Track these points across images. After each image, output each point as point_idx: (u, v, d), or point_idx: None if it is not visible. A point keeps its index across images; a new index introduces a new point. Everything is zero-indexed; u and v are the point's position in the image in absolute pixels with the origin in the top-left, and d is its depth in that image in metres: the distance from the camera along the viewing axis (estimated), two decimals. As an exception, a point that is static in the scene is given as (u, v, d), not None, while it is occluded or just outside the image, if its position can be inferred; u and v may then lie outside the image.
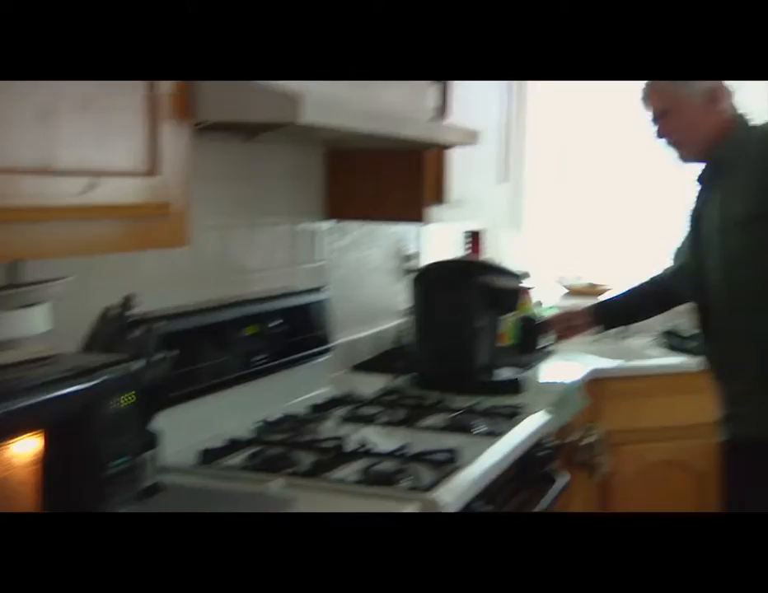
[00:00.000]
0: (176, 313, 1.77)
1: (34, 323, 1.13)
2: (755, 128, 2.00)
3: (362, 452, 1.74)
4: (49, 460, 1.06)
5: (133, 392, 1.15)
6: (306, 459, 1.70)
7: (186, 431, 1.74)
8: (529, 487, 1.98)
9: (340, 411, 2.07)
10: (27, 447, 1.05)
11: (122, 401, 1.14)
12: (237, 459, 1.73)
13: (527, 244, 3.49)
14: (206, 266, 1.97)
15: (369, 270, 2.64)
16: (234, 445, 1.79)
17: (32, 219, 1.12)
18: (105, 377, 1.11)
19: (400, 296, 2.67)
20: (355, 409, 2.09)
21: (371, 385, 2.30)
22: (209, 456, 1.71)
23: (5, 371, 1.06)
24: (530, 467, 1.99)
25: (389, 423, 1.99)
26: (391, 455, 1.72)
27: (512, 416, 2.06)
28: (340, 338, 2.40)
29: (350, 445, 1.78)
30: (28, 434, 1.04)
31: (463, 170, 2.43)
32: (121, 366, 1.15)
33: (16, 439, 1.03)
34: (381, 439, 1.85)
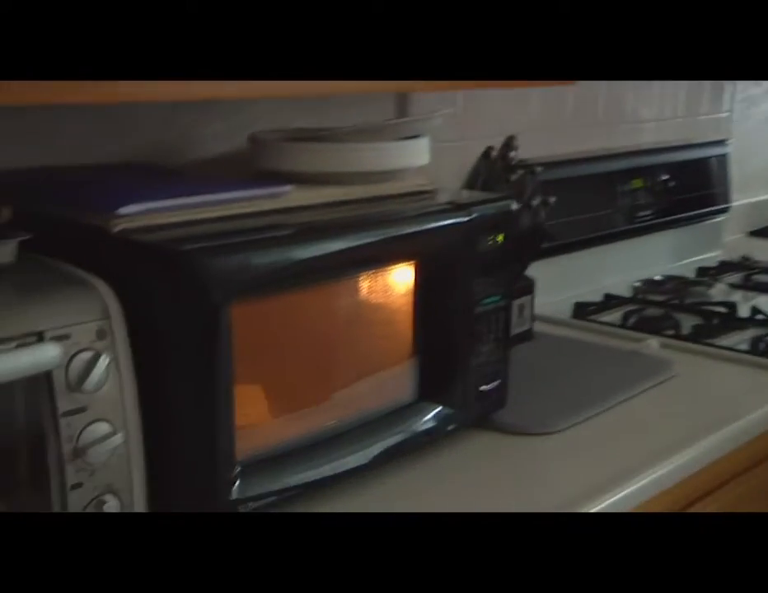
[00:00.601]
0: (559, 160, 1.70)
1: (414, 155, 1.12)
2: None
3: (756, 320, 1.58)
4: (421, 291, 1.06)
5: (509, 232, 1.11)
6: (689, 322, 1.58)
7: (562, 283, 1.70)
8: None
9: (732, 277, 1.90)
10: (403, 277, 1.06)
11: (497, 239, 1.11)
12: (613, 315, 1.66)
13: None
14: (595, 112, 1.86)
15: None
16: (610, 302, 1.71)
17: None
18: (481, 213, 1.08)
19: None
20: (749, 276, 1.90)
21: (771, 252, 2.08)
22: (584, 310, 1.66)
23: (386, 201, 1.07)
24: None
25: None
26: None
27: None
28: (739, 199, 2.18)
29: (741, 312, 1.63)
30: (403, 263, 1.05)
31: None
32: (499, 204, 1.12)
33: (392, 266, 1.05)
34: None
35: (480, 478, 1.06)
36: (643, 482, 1.07)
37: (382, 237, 1.01)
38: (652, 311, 1.66)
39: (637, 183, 1.84)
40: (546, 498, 1.01)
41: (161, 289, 0.86)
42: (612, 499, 1.02)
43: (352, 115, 1.40)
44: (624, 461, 1.09)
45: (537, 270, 1.53)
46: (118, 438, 0.82)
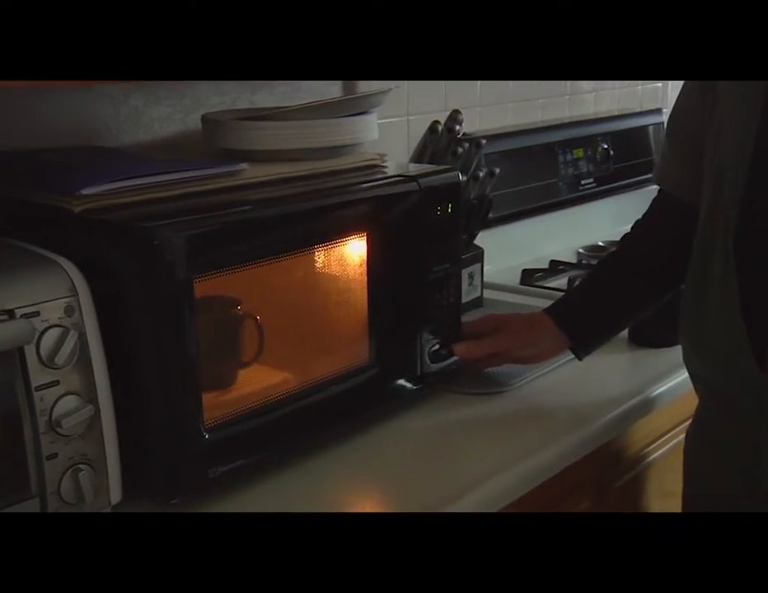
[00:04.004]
0: (503, 133, 1.76)
1: (364, 130, 1.17)
2: None
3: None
4: (374, 261, 1.11)
5: (457, 202, 1.16)
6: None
7: (510, 251, 1.76)
8: None
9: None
10: (356, 248, 1.10)
11: (446, 209, 1.15)
12: (559, 281, 1.72)
13: None
14: (536, 85, 1.92)
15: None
16: (556, 268, 1.78)
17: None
18: (430, 184, 1.13)
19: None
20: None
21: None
22: (531, 276, 1.72)
23: (337, 175, 1.11)
24: None
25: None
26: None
27: None
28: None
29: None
30: (356, 234, 1.09)
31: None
32: (446, 176, 1.16)
33: (345, 238, 1.09)
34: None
35: (439, 439, 1.11)
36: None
37: (335, 210, 1.06)
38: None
39: (578, 152, 1.90)
40: (510, 451, 1.07)
41: (126, 266, 0.89)
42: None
43: (299, 94, 1.43)
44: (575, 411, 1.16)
45: (486, 240, 1.58)
46: (89, 410, 0.86)
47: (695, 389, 1.12)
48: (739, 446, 1.03)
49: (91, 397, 0.86)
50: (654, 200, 1.23)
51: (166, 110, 1.30)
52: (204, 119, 1.19)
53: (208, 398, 0.94)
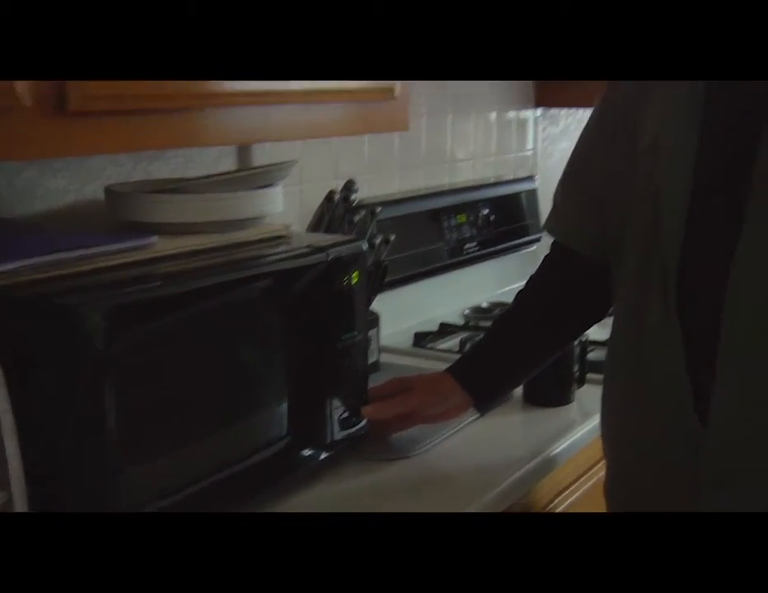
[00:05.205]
0: (391, 200, 1.81)
1: (269, 203, 1.18)
2: None
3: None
4: (286, 332, 1.12)
5: (363, 271, 1.19)
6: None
7: (402, 314, 1.80)
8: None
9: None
10: (269, 319, 1.11)
11: (352, 278, 1.18)
12: (449, 342, 1.77)
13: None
14: (418, 153, 1.98)
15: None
16: (446, 330, 1.83)
17: (267, 103, 1.16)
18: (337, 254, 1.15)
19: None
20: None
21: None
22: (422, 339, 1.77)
23: (247, 247, 1.12)
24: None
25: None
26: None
27: None
28: (548, 229, 2.37)
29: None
30: (268, 305, 1.10)
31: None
32: (352, 246, 1.19)
33: (257, 309, 1.09)
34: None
35: (349, 507, 1.12)
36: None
37: (247, 282, 1.07)
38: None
39: (461, 218, 1.98)
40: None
41: (41, 343, 0.87)
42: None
43: (192, 164, 1.44)
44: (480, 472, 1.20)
45: (379, 303, 1.62)
46: (1, 496, 0.83)
47: (611, 449, 1.15)
48: (674, 503, 1.03)
49: (2, 482, 0.84)
50: (547, 255, 1.26)
51: (62, 182, 1.28)
52: (108, 190, 1.18)
53: (124, 474, 0.92)
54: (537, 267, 1.26)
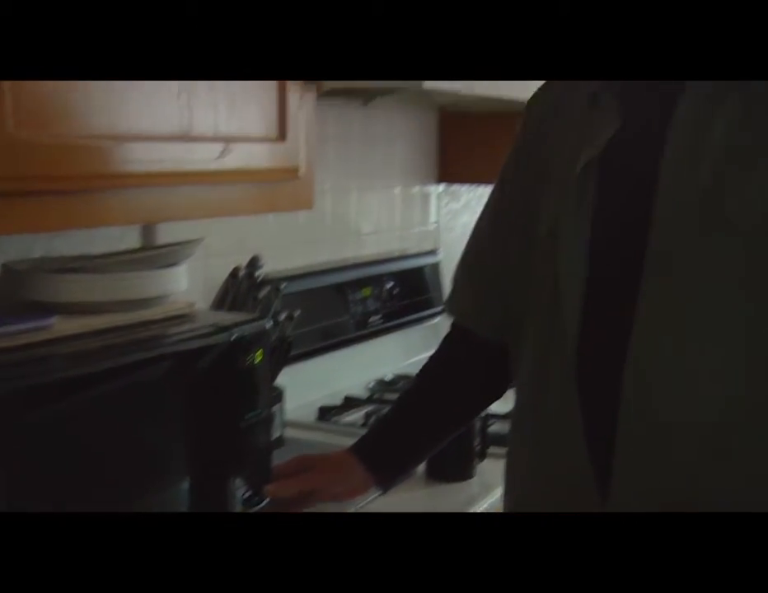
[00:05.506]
0: (298, 274, 1.83)
1: (173, 282, 1.19)
2: None
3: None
4: (190, 410, 1.12)
5: (267, 350, 1.20)
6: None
7: (307, 388, 1.81)
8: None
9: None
10: (173, 398, 1.11)
11: (255, 357, 1.19)
12: (354, 416, 1.78)
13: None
14: (323, 228, 2.02)
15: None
16: (350, 403, 1.84)
17: (171, 183, 1.18)
18: (241, 334, 1.16)
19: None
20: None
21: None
22: (327, 413, 1.78)
23: (150, 326, 1.12)
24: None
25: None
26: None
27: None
28: (451, 301, 2.42)
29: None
30: (171, 385, 1.10)
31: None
32: (254, 324, 1.20)
33: (161, 388, 1.09)
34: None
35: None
36: None
37: (151, 362, 1.06)
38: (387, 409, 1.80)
39: (366, 291, 2.01)
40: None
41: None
42: None
43: (95, 240, 1.43)
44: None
45: (284, 378, 1.62)
46: None
47: None
48: None
49: None
50: (447, 334, 1.27)
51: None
52: (6, 268, 1.17)
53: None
54: (438, 344, 1.28)
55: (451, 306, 1.24)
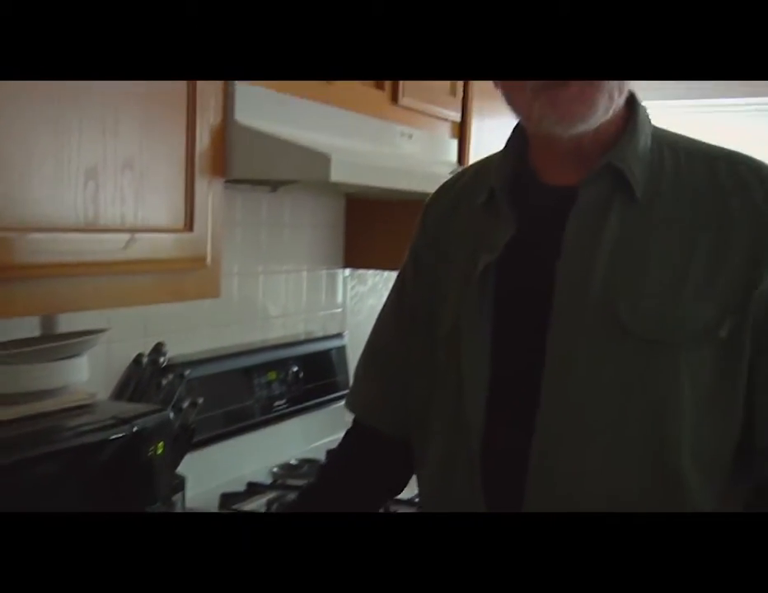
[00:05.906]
0: (202, 358, 1.83)
1: (74, 373, 1.18)
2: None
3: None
4: (90, 504, 1.10)
5: (168, 441, 1.20)
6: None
7: (209, 475, 1.79)
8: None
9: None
10: (71, 492, 1.09)
11: (156, 448, 1.19)
12: (256, 503, 1.77)
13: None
14: (230, 312, 2.02)
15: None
16: (253, 490, 1.83)
17: (76, 274, 1.18)
18: (142, 426, 1.16)
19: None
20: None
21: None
22: (230, 500, 1.76)
23: (51, 417, 1.11)
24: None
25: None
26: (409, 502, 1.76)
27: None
28: (357, 384, 2.44)
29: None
30: (69, 480, 1.09)
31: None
32: (156, 416, 1.20)
33: (58, 485, 1.08)
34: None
35: None
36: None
37: (49, 457, 1.05)
38: (291, 496, 1.79)
39: (272, 375, 2.01)
40: None
41: None
42: None
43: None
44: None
45: (186, 465, 1.61)
46: None
47: None
48: None
49: None
50: (349, 429, 1.25)
51: None
52: None
53: None
54: (340, 440, 1.26)
55: (354, 402, 1.24)
